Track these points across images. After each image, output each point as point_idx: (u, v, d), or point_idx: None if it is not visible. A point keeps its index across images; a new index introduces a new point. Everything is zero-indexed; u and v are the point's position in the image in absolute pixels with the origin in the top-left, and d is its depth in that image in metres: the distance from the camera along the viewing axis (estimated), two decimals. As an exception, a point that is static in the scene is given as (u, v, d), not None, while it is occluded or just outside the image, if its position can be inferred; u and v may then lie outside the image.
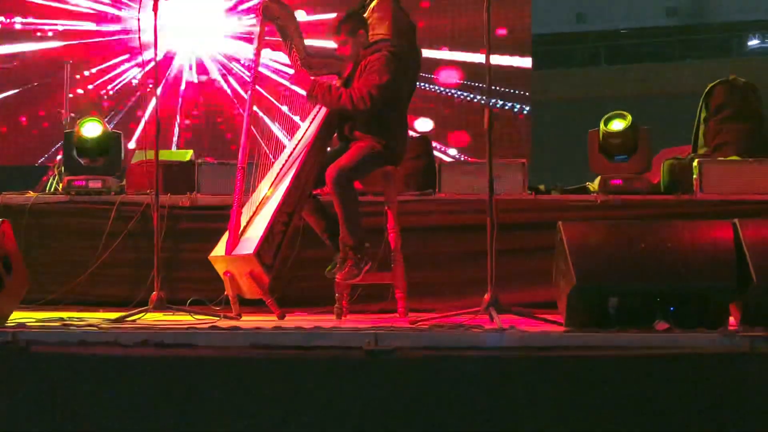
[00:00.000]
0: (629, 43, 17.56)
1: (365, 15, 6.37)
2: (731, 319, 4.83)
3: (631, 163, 7.11)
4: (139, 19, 5.87)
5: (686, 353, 4.30)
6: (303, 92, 5.96)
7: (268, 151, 6.01)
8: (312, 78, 5.89)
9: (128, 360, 4.43)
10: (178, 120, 11.31)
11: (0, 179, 7.58)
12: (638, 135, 7.13)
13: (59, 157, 8.51)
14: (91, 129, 7.31)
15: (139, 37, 5.86)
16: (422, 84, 10.67)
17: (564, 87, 15.65)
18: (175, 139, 11.18)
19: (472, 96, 11.23)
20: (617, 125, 7.11)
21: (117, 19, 11.40)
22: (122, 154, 7.49)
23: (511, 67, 11.25)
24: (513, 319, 5.11)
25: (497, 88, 10.83)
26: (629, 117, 7.11)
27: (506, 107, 11.26)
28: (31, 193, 7.24)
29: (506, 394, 4.23)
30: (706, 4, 16.21)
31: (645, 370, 4.24)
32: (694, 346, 4.35)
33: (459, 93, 11.35)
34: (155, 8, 5.77)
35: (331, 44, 6.13)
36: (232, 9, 11.43)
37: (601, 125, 7.17)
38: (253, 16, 10.58)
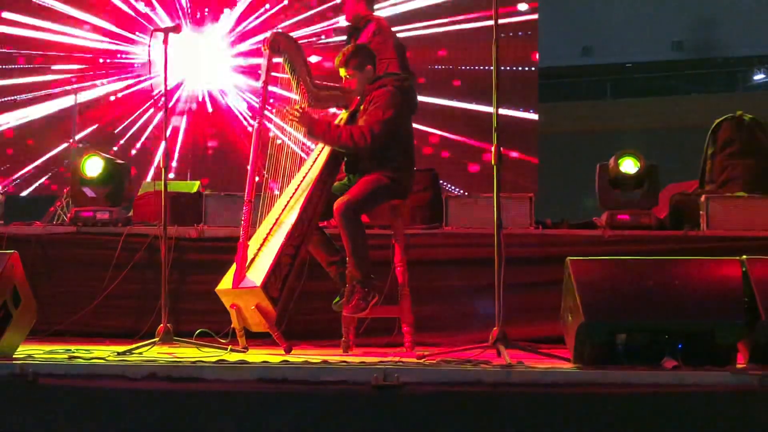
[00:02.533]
0: (635, 76, 17.58)
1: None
2: (740, 356, 4.82)
3: (639, 198, 7.09)
4: (149, 52, 5.88)
5: (695, 391, 4.29)
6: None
7: (275, 183, 6.00)
8: (314, 117, 5.90)
9: (135, 393, 4.43)
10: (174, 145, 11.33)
11: (8, 209, 7.55)
12: (649, 173, 7.11)
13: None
14: (93, 166, 7.24)
15: (149, 70, 5.88)
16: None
17: (570, 120, 15.65)
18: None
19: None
20: (629, 166, 7.07)
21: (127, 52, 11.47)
22: (129, 184, 7.48)
23: (518, 119, 11.28)
24: (520, 354, 5.10)
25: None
26: (642, 159, 7.06)
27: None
28: (38, 224, 7.25)
29: (514, 431, 4.22)
30: (712, 39, 16.23)
31: (653, 408, 4.22)
32: (703, 384, 4.34)
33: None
34: (165, 41, 5.81)
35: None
36: (240, 41, 11.48)
37: (612, 161, 7.13)
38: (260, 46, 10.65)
